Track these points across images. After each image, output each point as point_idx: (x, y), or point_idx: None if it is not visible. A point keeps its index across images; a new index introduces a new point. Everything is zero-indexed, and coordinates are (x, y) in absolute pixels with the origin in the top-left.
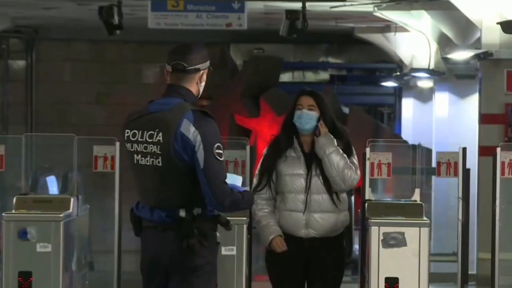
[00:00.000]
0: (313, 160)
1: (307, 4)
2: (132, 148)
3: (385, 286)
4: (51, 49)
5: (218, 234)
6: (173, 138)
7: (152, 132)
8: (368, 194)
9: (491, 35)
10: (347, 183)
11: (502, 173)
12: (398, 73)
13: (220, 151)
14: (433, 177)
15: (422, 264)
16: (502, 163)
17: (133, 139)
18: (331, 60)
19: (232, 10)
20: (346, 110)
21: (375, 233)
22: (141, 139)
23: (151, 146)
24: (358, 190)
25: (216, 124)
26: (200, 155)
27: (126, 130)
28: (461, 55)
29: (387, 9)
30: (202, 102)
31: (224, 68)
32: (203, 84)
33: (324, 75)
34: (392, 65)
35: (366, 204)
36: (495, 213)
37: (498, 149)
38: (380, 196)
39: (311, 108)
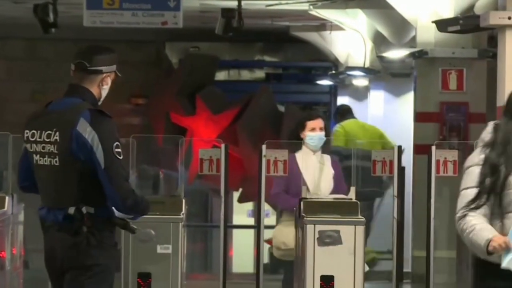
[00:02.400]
0: None
1: (243, 2)
2: (31, 148)
3: (320, 284)
4: None
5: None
6: (70, 138)
7: (50, 132)
8: (304, 193)
9: (426, 33)
10: None
11: (437, 171)
12: (334, 72)
13: (119, 150)
14: None
15: (357, 262)
16: (437, 161)
17: (32, 139)
18: (267, 58)
19: (168, 9)
20: (282, 108)
21: (311, 231)
22: (39, 139)
23: (49, 146)
24: None
25: (114, 123)
26: (100, 155)
27: (26, 131)
28: (396, 54)
29: (322, 8)
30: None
31: (159, 67)
32: (106, 87)
33: (260, 74)
34: (328, 64)
35: (301, 202)
36: (430, 211)
37: (433, 148)
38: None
39: None
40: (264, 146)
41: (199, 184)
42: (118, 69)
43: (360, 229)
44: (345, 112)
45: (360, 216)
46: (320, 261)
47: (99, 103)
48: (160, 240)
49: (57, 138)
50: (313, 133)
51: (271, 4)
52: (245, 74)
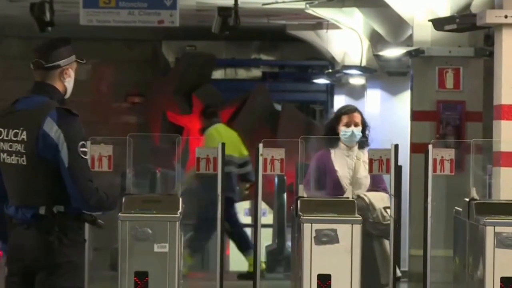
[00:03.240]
0: None
1: (239, 1)
2: None
3: (317, 283)
4: None
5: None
6: (36, 137)
7: (17, 130)
8: (301, 191)
9: (423, 32)
10: None
11: (434, 170)
12: (330, 70)
13: (85, 149)
14: None
15: (354, 261)
16: (434, 160)
17: None
18: (263, 57)
19: (164, 7)
20: (278, 107)
21: (308, 230)
22: (6, 138)
23: (16, 145)
24: (291, 187)
25: (80, 122)
26: (64, 154)
27: None
28: (392, 52)
29: (319, 6)
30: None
31: (156, 65)
32: (69, 79)
33: (256, 72)
34: (324, 62)
35: (298, 201)
36: (427, 210)
37: (430, 146)
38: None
39: None
40: (261, 145)
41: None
42: (78, 59)
43: (357, 227)
44: (212, 115)
45: (357, 215)
46: (317, 260)
47: (67, 96)
48: (157, 239)
49: (24, 137)
50: (347, 128)
51: (267, 2)
52: (242, 73)
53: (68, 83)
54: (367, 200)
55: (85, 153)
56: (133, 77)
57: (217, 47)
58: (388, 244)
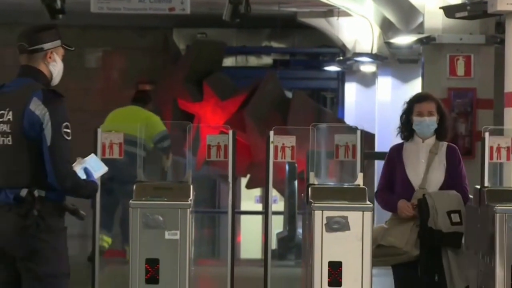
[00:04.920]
0: None
1: None
2: None
3: (328, 270)
4: None
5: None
6: (22, 117)
7: (3, 111)
8: (312, 179)
9: (434, 19)
10: None
11: None
12: (341, 58)
13: (68, 130)
14: (376, 162)
15: (365, 248)
16: None
17: None
18: (274, 44)
19: None
20: (289, 94)
21: (319, 217)
22: None
23: (2, 126)
24: (302, 175)
25: (65, 103)
26: (48, 132)
27: None
28: (403, 40)
29: None
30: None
31: (167, 53)
32: (53, 64)
33: (267, 60)
34: (335, 50)
35: (309, 189)
36: None
37: None
38: (323, 180)
39: None
40: (271, 132)
41: (207, 170)
42: (65, 45)
43: (368, 215)
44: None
45: (368, 202)
46: (328, 247)
47: (54, 81)
48: (168, 226)
49: (10, 117)
50: (420, 118)
51: None
52: (253, 60)
53: (53, 67)
54: (429, 202)
55: (68, 134)
56: (144, 64)
57: (228, 34)
58: (454, 254)
